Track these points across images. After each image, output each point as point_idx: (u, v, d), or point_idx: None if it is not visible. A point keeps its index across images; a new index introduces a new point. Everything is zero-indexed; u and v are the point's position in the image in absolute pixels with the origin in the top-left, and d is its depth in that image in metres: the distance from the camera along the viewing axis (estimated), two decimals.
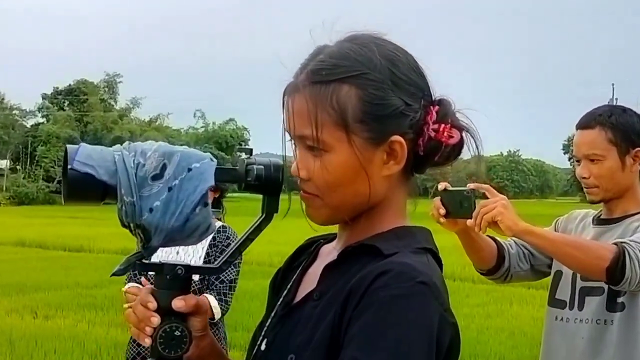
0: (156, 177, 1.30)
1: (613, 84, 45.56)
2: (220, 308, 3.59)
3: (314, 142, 1.30)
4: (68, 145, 1.31)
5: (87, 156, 1.30)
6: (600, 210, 2.81)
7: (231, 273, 3.63)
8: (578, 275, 2.67)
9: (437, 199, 2.55)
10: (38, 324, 10.43)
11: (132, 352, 3.81)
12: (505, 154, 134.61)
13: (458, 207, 2.47)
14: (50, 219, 36.90)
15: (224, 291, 3.61)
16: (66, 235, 24.60)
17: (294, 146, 1.36)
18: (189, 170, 1.31)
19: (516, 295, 14.12)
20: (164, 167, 1.30)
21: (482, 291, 14.57)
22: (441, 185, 2.49)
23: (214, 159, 1.35)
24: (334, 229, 1.45)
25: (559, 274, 2.79)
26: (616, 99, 41.23)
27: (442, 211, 2.54)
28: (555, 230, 2.93)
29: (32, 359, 8.22)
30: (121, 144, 1.35)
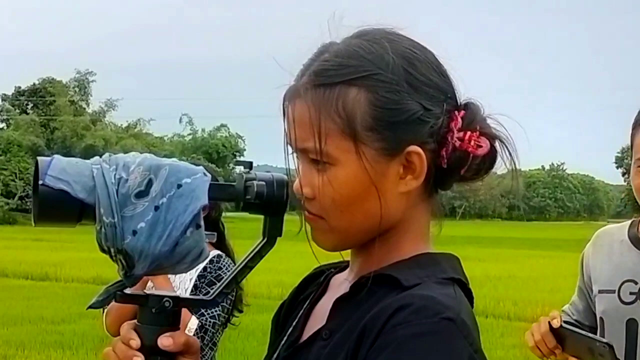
0: (141, 195, 1.30)
1: None
2: (199, 320, 3.56)
3: (317, 155, 1.31)
4: (39, 157, 1.31)
5: (61, 170, 1.30)
6: (633, 222, 2.73)
7: (213, 310, 3.61)
8: None
9: (547, 331, 2.50)
10: None
11: None
12: (547, 168, 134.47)
13: (589, 356, 2.41)
14: (9, 241, 36.84)
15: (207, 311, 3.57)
16: (29, 261, 24.54)
17: (296, 160, 1.37)
18: (179, 186, 1.31)
19: None
20: (149, 183, 1.30)
21: (520, 330, 14.46)
22: (555, 322, 2.47)
23: (208, 174, 1.35)
24: (346, 255, 1.45)
25: None
26: None
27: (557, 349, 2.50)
28: (582, 268, 2.86)
29: None
30: (95, 154, 1.37)
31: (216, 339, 3.77)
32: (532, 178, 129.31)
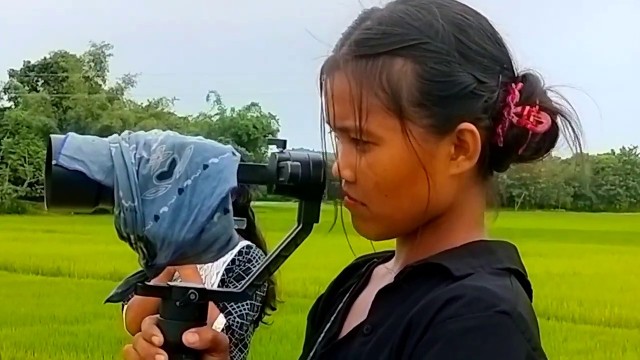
0: (163, 176, 1.31)
1: None
2: (226, 320, 3.58)
3: (358, 134, 1.31)
4: (52, 135, 1.33)
5: (77, 149, 1.31)
6: None
7: (243, 308, 3.64)
8: None
9: None
10: None
11: None
12: (618, 152, 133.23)
13: None
14: (18, 232, 37.24)
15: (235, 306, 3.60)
16: (39, 255, 24.81)
17: (335, 140, 1.38)
18: (205, 167, 1.32)
19: (631, 340, 14.02)
20: (173, 164, 1.31)
21: (586, 334, 14.48)
22: None
23: (237, 154, 1.36)
24: (391, 244, 1.46)
25: None
26: None
27: None
28: None
29: None
30: (118, 135, 1.36)
31: (247, 340, 3.80)
32: (601, 163, 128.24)
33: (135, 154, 1.32)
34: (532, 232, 45.13)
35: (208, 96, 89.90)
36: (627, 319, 16.15)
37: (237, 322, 3.64)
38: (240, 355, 3.79)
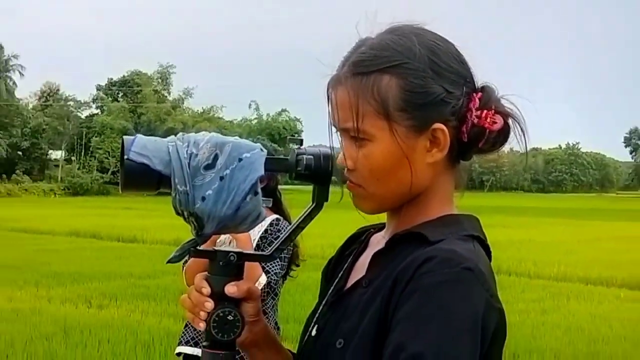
0: (208, 167, 1.32)
1: None
2: (267, 283, 3.61)
3: (356, 133, 1.32)
4: (124, 137, 1.34)
5: (143, 147, 1.33)
6: None
7: (275, 267, 3.66)
8: None
9: None
10: (92, 313, 10.60)
11: (187, 336, 3.88)
12: (564, 147, 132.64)
13: None
14: (104, 209, 37.44)
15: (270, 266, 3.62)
16: (120, 226, 24.92)
17: (340, 137, 1.38)
18: (240, 160, 1.33)
19: (574, 291, 13.94)
20: (215, 157, 1.33)
21: (539, 286, 14.41)
22: None
23: (264, 149, 1.37)
24: (384, 218, 1.46)
25: None
26: None
27: None
28: None
29: (86, 348, 8.33)
30: (175, 135, 1.38)
31: (277, 290, 3.81)
32: (551, 156, 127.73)
33: (187, 150, 1.33)
34: (498, 209, 44.95)
35: (250, 104, 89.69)
36: (571, 275, 16.07)
37: (273, 278, 3.66)
38: (272, 302, 3.80)
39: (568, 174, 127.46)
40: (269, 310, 3.75)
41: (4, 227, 25.93)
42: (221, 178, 1.32)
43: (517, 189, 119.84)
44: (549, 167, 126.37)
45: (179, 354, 3.91)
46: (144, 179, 1.33)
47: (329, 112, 1.38)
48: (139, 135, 1.36)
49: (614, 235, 28.89)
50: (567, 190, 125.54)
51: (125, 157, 1.31)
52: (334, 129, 1.39)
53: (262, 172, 1.34)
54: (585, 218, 41.43)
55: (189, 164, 1.32)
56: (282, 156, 1.42)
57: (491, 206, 44.06)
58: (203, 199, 1.32)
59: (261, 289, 3.57)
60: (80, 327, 9.34)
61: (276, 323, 3.82)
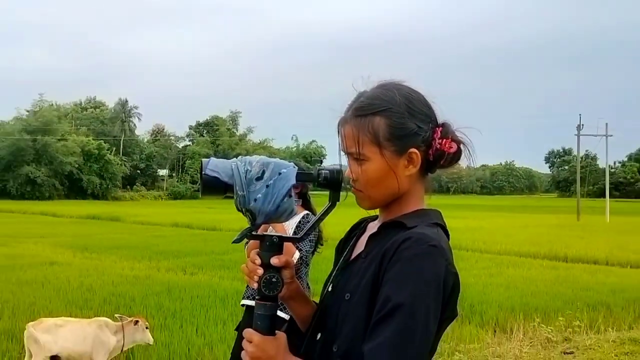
0: (258, 179, 1.32)
1: (580, 114, 44.15)
2: (300, 253, 3.61)
3: (358, 155, 1.31)
4: (202, 159, 1.34)
5: (215, 165, 1.32)
6: None
7: (306, 245, 3.67)
8: None
9: None
10: (186, 278, 10.62)
11: (247, 293, 3.87)
12: (504, 163, 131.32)
13: None
14: (194, 208, 37.61)
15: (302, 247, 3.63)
16: (205, 219, 25.01)
17: (347, 158, 1.37)
18: (280, 174, 1.32)
19: (511, 262, 13.76)
20: (263, 172, 1.32)
21: (486, 259, 14.24)
22: None
23: (296, 166, 1.36)
24: (377, 211, 1.44)
25: None
26: (582, 124, 39.50)
27: None
28: None
29: (183, 302, 8.35)
30: (236, 157, 1.37)
31: (308, 262, 3.78)
32: (495, 169, 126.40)
33: (244, 167, 1.33)
34: (459, 206, 44.62)
35: (292, 137, 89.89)
36: (509, 250, 15.91)
37: (305, 254, 3.64)
38: (305, 270, 3.77)
39: (506, 182, 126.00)
40: (303, 275, 3.73)
41: (128, 220, 26.24)
42: (267, 186, 1.31)
43: (472, 193, 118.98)
44: (493, 177, 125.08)
45: (243, 305, 3.91)
46: (215, 187, 1.32)
47: (339, 141, 1.37)
48: (212, 158, 1.36)
49: (537, 223, 28.65)
50: (506, 193, 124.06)
51: (203, 172, 1.31)
52: (343, 153, 1.38)
53: (294, 181, 1.33)
54: (518, 212, 41.05)
55: (245, 177, 1.32)
56: (309, 171, 1.40)
57: (454, 204, 43.80)
58: (255, 200, 1.31)
59: (296, 262, 3.57)
60: (178, 287, 9.36)
61: (308, 284, 3.80)
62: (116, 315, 5.52)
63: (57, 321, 5.42)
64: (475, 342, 6.60)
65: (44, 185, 57.86)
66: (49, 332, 5.23)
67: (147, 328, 5.45)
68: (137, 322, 5.31)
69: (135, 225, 23.91)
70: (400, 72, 1.37)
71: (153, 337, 5.52)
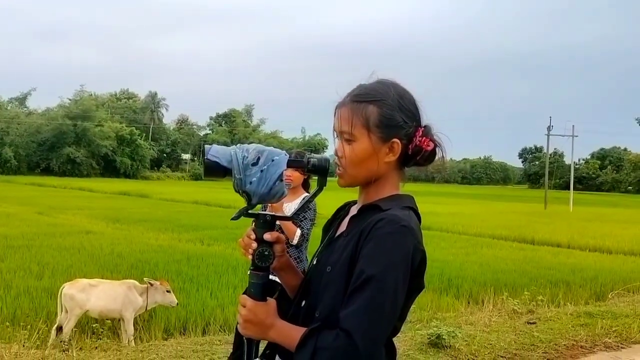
0: (254, 164, 1.30)
1: (550, 116, 44.03)
2: (301, 234, 3.61)
3: (349, 136, 1.29)
4: (205, 145, 1.32)
5: (216, 151, 1.30)
6: None
7: (307, 224, 3.68)
8: None
9: None
10: (204, 248, 10.68)
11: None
12: (482, 158, 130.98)
13: None
14: (212, 188, 37.55)
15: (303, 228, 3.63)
16: (221, 198, 25.01)
17: (339, 138, 1.33)
18: (273, 160, 1.30)
19: (485, 243, 13.78)
20: (258, 159, 1.30)
21: (464, 240, 14.27)
22: None
23: (287, 154, 1.33)
24: (357, 196, 1.41)
25: None
26: (552, 126, 39.35)
27: None
28: None
29: (199, 269, 8.39)
30: (236, 145, 1.34)
31: (308, 238, 3.77)
32: (474, 163, 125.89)
33: (241, 154, 1.30)
34: (443, 193, 44.54)
35: (301, 129, 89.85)
36: (484, 233, 15.93)
37: (305, 232, 3.64)
38: (305, 244, 3.76)
39: (484, 174, 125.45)
40: (303, 249, 3.73)
41: (155, 197, 26.30)
42: (261, 171, 1.29)
43: (454, 182, 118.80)
44: (473, 169, 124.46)
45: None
46: (216, 171, 1.30)
47: (334, 122, 1.33)
48: (214, 145, 1.33)
49: (509, 210, 28.64)
50: (484, 183, 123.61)
51: (205, 157, 1.29)
52: (335, 134, 1.34)
53: (285, 167, 1.31)
54: (493, 200, 40.97)
55: (242, 162, 1.29)
56: (298, 158, 1.37)
57: (438, 192, 43.68)
58: (251, 183, 1.29)
59: (298, 238, 3.58)
60: (197, 256, 9.40)
61: (306, 257, 3.80)
62: (145, 278, 5.55)
63: (91, 281, 5.48)
64: (452, 311, 6.65)
65: (83, 165, 58.44)
66: (84, 291, 5.28)
67: (168, 291, 5.48)
68: (151, 284, 5.39)
69: (161, 202, 23.98)
70: (400, 75, 1.34)
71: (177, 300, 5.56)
